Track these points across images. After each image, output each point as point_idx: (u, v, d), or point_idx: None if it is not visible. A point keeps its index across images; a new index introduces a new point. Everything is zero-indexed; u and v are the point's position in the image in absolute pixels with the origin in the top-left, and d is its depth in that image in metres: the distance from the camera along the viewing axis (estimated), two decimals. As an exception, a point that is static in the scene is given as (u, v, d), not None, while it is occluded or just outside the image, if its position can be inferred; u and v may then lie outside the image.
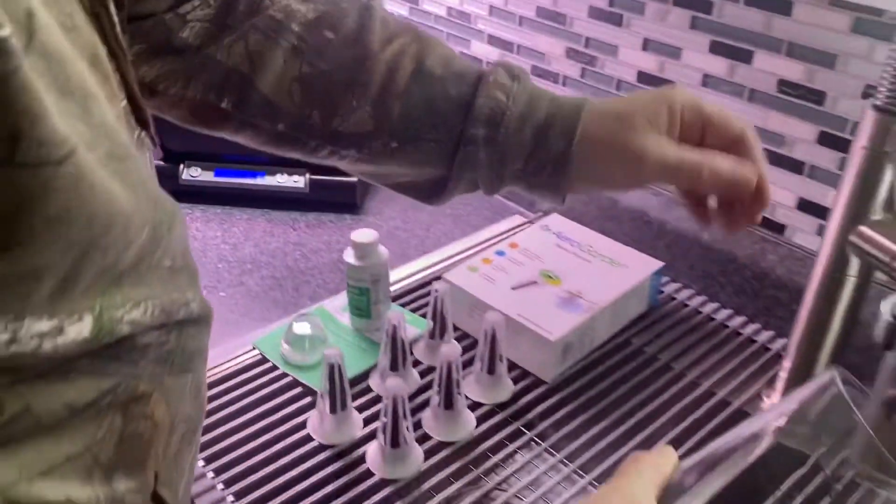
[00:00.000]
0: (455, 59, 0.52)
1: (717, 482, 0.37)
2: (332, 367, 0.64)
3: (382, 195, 1.05)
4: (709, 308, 0.85)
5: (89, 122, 0.29)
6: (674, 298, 0.87)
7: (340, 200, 1.02)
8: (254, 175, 1.03)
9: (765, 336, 0.81)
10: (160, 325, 0.35)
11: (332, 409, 0.66)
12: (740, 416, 0.73)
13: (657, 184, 0.43)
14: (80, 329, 0.30)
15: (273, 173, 1.03)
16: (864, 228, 0.61)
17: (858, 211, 0.62)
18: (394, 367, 0.71)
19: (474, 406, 0.71)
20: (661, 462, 0.41)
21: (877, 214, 0.61)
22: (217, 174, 1.03)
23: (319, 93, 0.50)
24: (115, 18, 0.34)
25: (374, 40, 0.50)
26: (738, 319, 0.84)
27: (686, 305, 0.86)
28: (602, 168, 0.49)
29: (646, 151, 0.47)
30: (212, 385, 0.73)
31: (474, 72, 0.51)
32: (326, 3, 0.51)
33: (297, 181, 1.02)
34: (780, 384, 0.73)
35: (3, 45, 0.23)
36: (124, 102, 0.34)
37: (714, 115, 0.49)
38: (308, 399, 0.71)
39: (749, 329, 0.83)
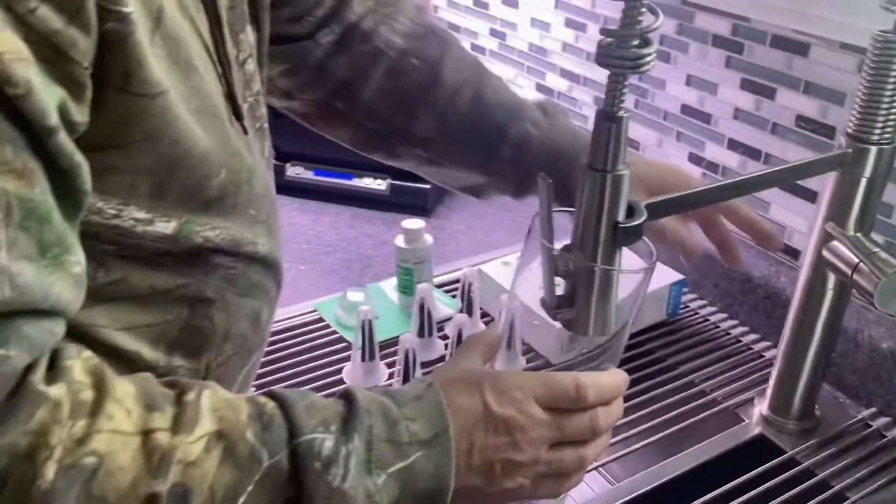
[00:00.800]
0: (505, 91, 0.67)
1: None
2: (364, 322, 0.78)
3: (450, 203, 1.19)
4: (727, 324, 0.92)
5: (188, 84, 0.42)
6: (696, 313, 0.94)
7: (414, 203, 1.16)
8: (346, 177, 1.20)
9: (773, 352, 0.87)
10: (229, 252, 0.47)
11: (363, 359, 0.80)
12: (729, 415, 0.79)
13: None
14: (165, 227, 0.43)
15: (361, 177, 1.20)
16: (834, 243, 0.67)
17: (834, 229, 0.68)
18: (420, 333, 0.84)
19: (485, 375, 0.82)
20: (483, 335, 0.53)
21: (850, 230, 0.67)
22: (316, 174, 1.22)
23: (402, 102, 0.67)
24: (227, 35, 0.48)
25: (446, 70, 0.67)
26: (744, 333, 0.90)
27: (706, 320, 0.93)
28: None
29: None
30: (275, 334, 0.88)
31: (517, 105, 0.66)
32: (417, 38, 0.67)
33: (381, 185, 1.18)
34: (768, 391, 0.78)
35: (128, 16, 0.37)
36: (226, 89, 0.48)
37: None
38: (350, 353, 0.85)
39: (760, 345, 0.88)
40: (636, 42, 0.42)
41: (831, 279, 0.70)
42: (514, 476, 0.45)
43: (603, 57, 0.42)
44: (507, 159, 0.66)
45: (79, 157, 0.35)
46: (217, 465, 0.37)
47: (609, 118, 0.45)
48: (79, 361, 0.37)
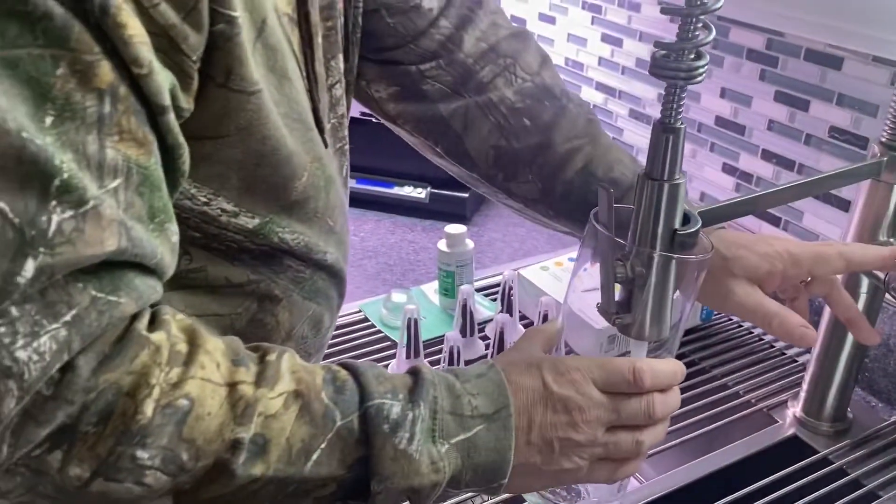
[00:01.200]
0: (616, 166, 0.64)
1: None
2: (409, 320, 0.81)
3: (487, 211, 1.22)
4: (760, 329, 0.94)
5: (281, 91, 0.46)
6: (730, 318, 0.97)
7: (453, 211, 1.20)
8: (387, 185, 1.25)
9: (805, 357, 0.89)
10: (301, 256, 0.51)
11: (407, 356, 0.83)
12: (763, 417, 0.82)
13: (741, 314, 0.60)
14: (247, 221, 0.47)
15: (402, 185, 1.24)
16: (867, 249, 0.69)
17: (868, 234, 0.70)
18: (463, 333, 0.87)
19: (525, 374, 0.85)
20: (544, 327, 0.56)
21: (882, 237, 0.70)
22: (358, 182, 1.26)
23: (506, 161, 0.65)
24: (318, 55, 0.51)
25: (558, 135, 0.64)
26: (778, 338, 0.92)
27: (740, 325, 0.95)
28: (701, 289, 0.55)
29: (732, 293, 0.59)
30: (323, 332, 0.92)
31: (627, 182, 0.64)
32: (532, 97, 0.65)
33: (420, 193, 1.22)
34: (802, 394, 0.81)
35: (235, 20, 0.40)
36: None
37: (808, 264, 0.59)
38: (394, 351, 0.89)
39: (793, 350, 0.90)
40: (691, 55, 0.44)
41: (864, 284, 0.72)
42: (572, 456, 0.47)
43: (657, 68, 0.44)
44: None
45: (182, 139, 0.39)
46: (294, 421, 0.41)
47: (667, 129, 0.46)
48: (174, 321, 0.41)
